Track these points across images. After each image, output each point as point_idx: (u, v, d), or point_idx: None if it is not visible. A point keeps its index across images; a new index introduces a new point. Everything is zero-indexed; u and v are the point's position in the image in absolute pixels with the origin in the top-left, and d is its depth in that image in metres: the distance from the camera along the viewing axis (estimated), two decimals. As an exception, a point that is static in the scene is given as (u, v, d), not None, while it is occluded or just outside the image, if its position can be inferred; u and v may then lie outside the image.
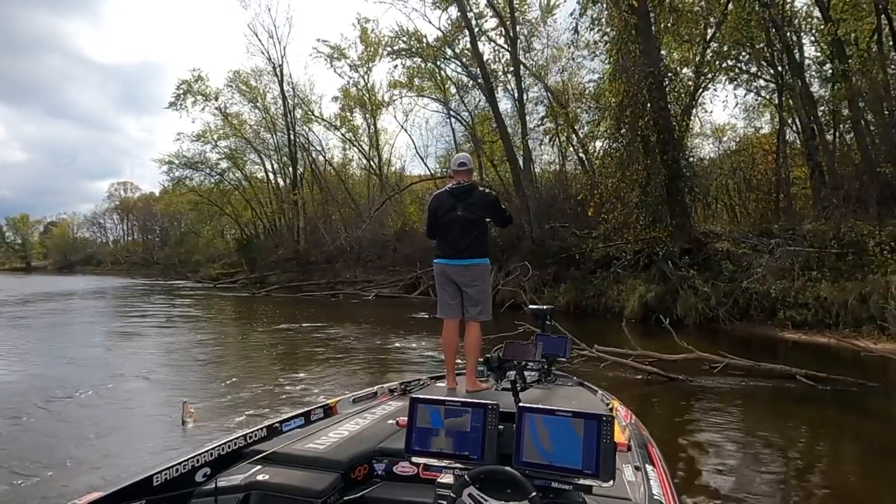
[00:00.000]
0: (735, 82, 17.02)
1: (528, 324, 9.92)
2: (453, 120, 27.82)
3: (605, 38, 14.71)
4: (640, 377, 7.18)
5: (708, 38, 15.31)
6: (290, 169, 34.19)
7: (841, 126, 15.15)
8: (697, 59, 15.53)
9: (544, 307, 4.77)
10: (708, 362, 7.45)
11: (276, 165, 36.70)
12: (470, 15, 20.78)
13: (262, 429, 2.65)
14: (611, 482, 1.68)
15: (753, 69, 16.59)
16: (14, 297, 22.90)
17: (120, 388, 6.87)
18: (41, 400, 6.14)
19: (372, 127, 33.32)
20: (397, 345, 10.29)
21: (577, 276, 15.67)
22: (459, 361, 4.03)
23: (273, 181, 37.56)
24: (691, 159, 16.18)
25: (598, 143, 17.76)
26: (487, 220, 4.05)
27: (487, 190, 4.10)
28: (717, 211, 19.63)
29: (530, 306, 4.95)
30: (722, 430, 5.18)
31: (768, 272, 11.54)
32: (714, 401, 6.15)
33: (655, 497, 1.96)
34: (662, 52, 14.84)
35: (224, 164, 37.62)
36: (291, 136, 33.05)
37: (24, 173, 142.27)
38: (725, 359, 7.36)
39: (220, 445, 2.40)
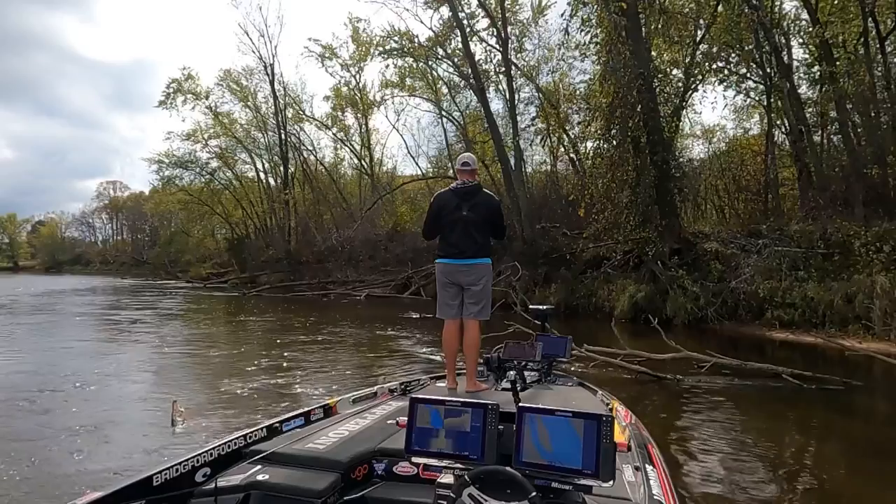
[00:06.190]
0: (724, 84, 17.19)
1: (519, 324, 9.97)
2: (445, 120, 27.89)
3: (595, 39, 14.78)
4: (629, 376, 7.24)
5: (697, 39, 15.43)
6: (281, 168, 34.07)
7: (828, 128, 15.32)
8: (687, 60, 15.66)
9: (544, 307, 4.77)
10: (696, 362, 7.52)
11: (266, 165, 36.62)
12: (461, 15, 20.82)
13: (262, 429, 2.66)
14: (611, 482, 1.69)
15: (742, 71, 16.72)
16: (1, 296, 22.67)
17: (107, 387, 6.85)
18: (26, 399, 6.11)
19: (363, 126, 33.38)
20: (389, 344, 10.30)
21: (567, 276, 15.74)
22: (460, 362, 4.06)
23: (264, 181, 37.43)
24: (681, 160, 16.36)
25: (589, 144, 17.85)
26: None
27: (491, 193, 4.11)
28: (707, 211, 19.82)
29: (530, 306, 4.95)
30: (712, 428, 5.25)
31: (756, 272, 11.67)
32: (703, 400, 6.22)
33: (655, 497, 1.98)
34: (652, 53, 14.94)
35: (214, 164, 37.53)
36: (282, 136, 32.95)
37: (12, 172, 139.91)
38: (713, 358, 7.44)
39: (220, 445, 2.40)
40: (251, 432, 2.59)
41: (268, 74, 32.77)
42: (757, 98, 18.23)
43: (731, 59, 16.09)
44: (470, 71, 20.77)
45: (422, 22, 33.61)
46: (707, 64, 15.58)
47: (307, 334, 11.58)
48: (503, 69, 20.86)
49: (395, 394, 3.65)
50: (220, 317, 17.20)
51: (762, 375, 7.05)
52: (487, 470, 1.75)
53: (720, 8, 14.40)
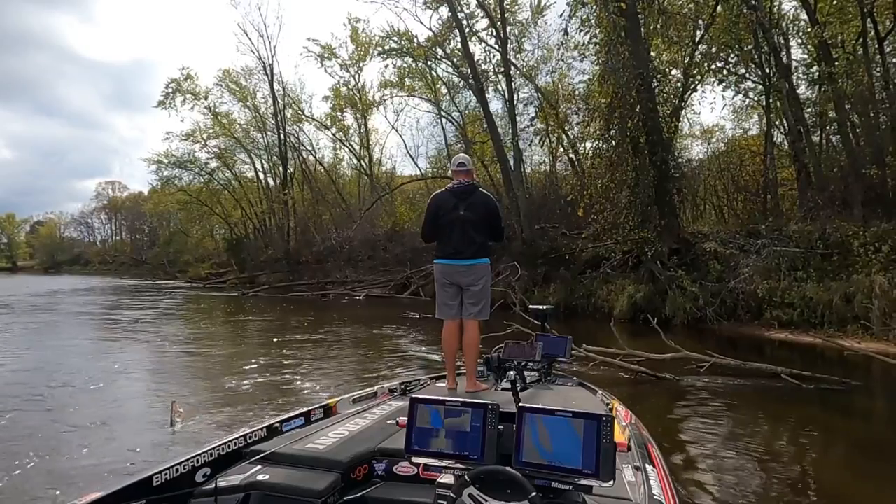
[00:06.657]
0: (723, 84, 17.16)
1: (518, 324, 9.97)
2: (444, 120, 27.92)
3: (595, 39, 14.78)
4: (628, 376, 7.25)
5: (696, 39, 15.44)
6: (281, 168, 34.01)
7: (827, 128, 15.30)
8: (686, 60, 15.65)
9: (544, 307, 4.76)
10: (695, 361, 7.53)
11: (266, 165, 36.55)
12: (461, 15, 20.80)
13: (262, 429, 2.66)
14: (611, 482, 1.70)
15: (741, 71, 16.71)
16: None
17: (110, 385, 6.87)
18: (33, 396, 6.13)
19: (363, 127, 33.33)
20: (389, 344, 10.30)
21: (566, 276, 15.73)
22: (459, 363, 4.06)
23: (263, 181, 37.37)
24: (680, 160, 16.36)
25: (588, 144, 17.82)
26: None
27: (488, 192, 4.11)
28: (706, 211, 19.83)
29: (530, 306, 4.96)
30: (711, 428, 5.25)
31: (755, 272, 11.67)
32: (702, 400, 6.23)
33: (655, 497, 1.98)
34: (651, 53, 14.94)
35: (213, 164, 37.45)
36: (281, 136, 32.91)
37: (11, 172, 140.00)
38: (712, 358, 7.43)
39: (220, 445, 2.40)
40: (251, 432, 2.59)
41: (267, 74, 32.76)
42: (756, 98, 18.23)
43: (730, 59, 16.07)
44: (469, 71, 20.76)
45: (421, 22, 33.76)
46: (706, 64, 15.57)
47: (306, 334, 11.58)
48: (502, 69, 20.84)
49: (395, 394, 3.65)
50: (219, 317, 17.19)
51: (761, 375, 7.05)
52: (487, 470, 1.75)
53: (719, 8, 14.38)
